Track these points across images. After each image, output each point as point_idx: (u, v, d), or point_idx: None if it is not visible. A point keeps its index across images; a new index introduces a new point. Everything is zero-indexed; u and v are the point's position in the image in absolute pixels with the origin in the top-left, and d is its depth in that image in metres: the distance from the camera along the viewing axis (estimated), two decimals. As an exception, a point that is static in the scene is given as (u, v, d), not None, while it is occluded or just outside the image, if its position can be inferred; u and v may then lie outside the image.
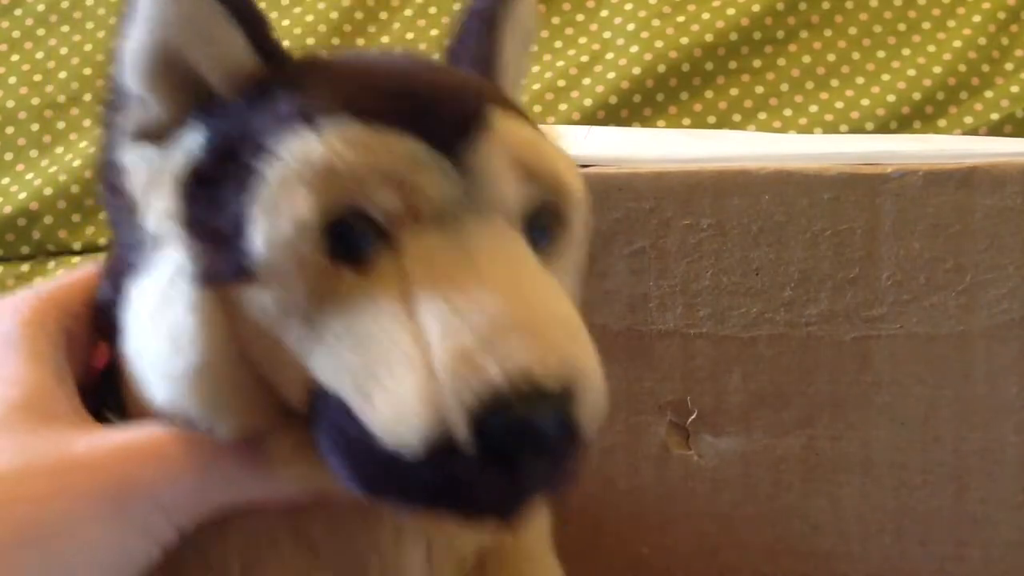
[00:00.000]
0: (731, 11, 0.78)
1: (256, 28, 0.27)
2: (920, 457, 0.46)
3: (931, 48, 0.77)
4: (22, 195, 0.76)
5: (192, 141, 0.27)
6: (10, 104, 0.80)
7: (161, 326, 0.26)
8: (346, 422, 0.25)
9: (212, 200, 0.26)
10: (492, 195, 0.26)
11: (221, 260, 0.26)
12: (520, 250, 0.27)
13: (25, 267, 0.76)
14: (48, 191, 0.76)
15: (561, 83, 0.77)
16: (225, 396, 0.27)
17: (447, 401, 0.23)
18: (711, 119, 0.76)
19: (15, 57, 0.82)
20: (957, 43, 0.77)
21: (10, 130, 0.79)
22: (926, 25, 0.79)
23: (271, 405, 0.27)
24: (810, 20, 0.79)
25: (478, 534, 0.31)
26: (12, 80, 0.81)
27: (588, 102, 0.76)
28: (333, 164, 0.25)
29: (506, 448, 0.24)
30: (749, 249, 0.44)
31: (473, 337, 0.24)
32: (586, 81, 0.77)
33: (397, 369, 0.24)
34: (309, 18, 0.81)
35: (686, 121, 0.76)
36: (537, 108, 0.76)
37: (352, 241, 0.25)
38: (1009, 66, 0.77)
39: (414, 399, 0.23)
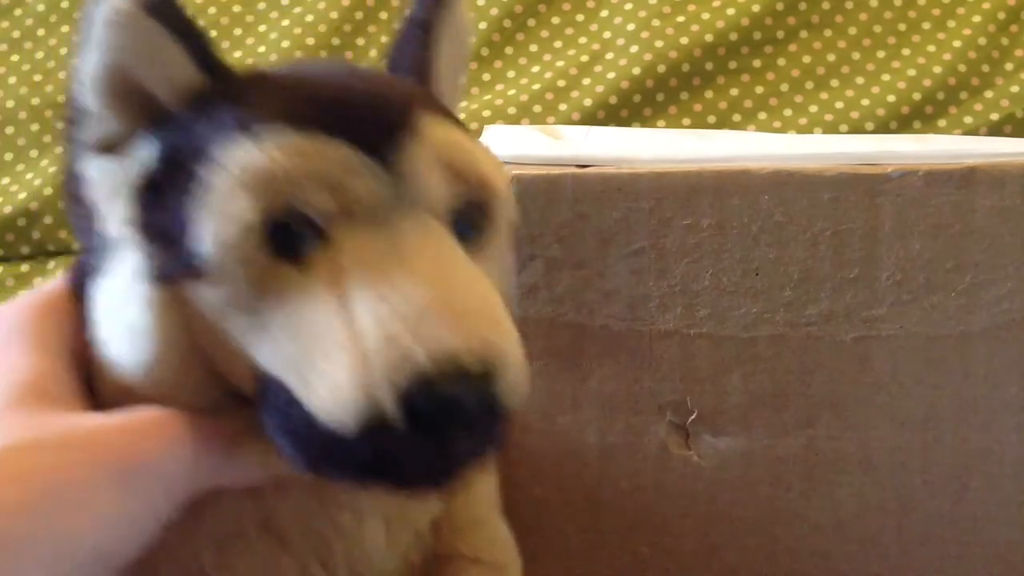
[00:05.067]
0: (731, 11, 0.78)
1: (198, 45, 0.29)
2: (920, 457, 0.46)
3: (931, 48, 0.77)
4: (22, 195, 0.76)
5: (145, 152, 0.29)
6: (10, 104, 0.80)
7: (121, 322, 0.29)
8: (288, 405, 0.27)
9: (163, 205, 0.29)
10: (419, 194, 0.29)
11: (171, 259, 0.28)
12: (446, 243, 0.29)
13: (25, 267, 0.76)
14: (48, 191, 0.76)
15: (561, 83, 0.77)
16: (179, 385, 0.29)
17: (378, 382, 0.26)
18: (711, 119, 0.76)
19: (15, 57, 0.82)
20: (957, 43, 0.77)
21: (10, 130, 0.79)
22: (926, 25, 0.79)
23: (224, 393, 0.30)
24: (810, 20, 0.79)
25: (415, 501, 0.35)
26: (12, 80, 0.81)
27: (588, 102, 0.76)
28: (271, 170, 0.27)
29: (433, 423, 0.26)
30: (749, 249, 0.44)
31: (401, 323, 0.26)
32: (586, 81, 0.77)
33: (332, 355, 0.26)
34: (309, 18, 0.81)
35: (686, 121, 0.76)
36: (537, 108, 0.76)
37: (291, 240, 0.28)
38: (1009, 66, 0.77)
39: (348, 382, 0.26)
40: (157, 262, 0.28)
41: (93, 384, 0.31)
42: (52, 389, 0.30)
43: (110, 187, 0.30)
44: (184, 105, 0.29)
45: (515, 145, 0.47)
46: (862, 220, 0.44)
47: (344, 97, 0.29)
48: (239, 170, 0.27)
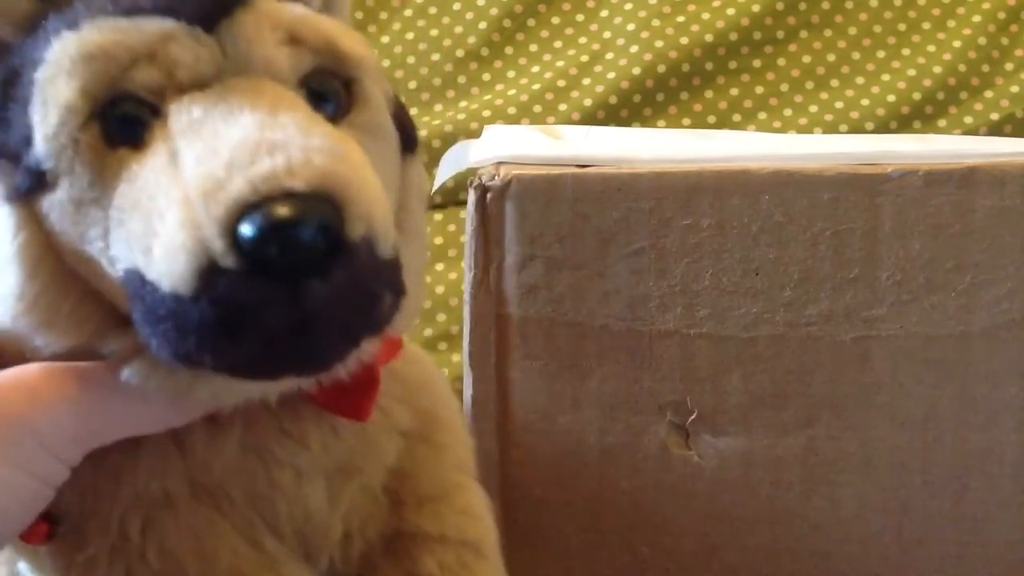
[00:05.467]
0: (731, 11, 0.78)
1: None
2: (920, 457, 0.46)
3: (931, 48, 0.77)
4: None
5: None
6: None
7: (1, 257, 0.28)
8: (143, 288, 0.25)
9: (5, 122, 0.28)
10: (251, 57, 0.27)
11: (19, 174, 0.27)
12: (284, 97, 0.27)
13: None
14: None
15: (561, 83, 0.77)
16: (55, 310, 0.28)
17: (202, 222, 0.24)
18: (711, 119, 0.76)
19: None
20: (957, 43, 0.77)
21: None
22: (926, 25, 0.79)
23: (104, 314, 0.28)
24: (810, 20, 0.79)
25: (295, 383, 0.30)
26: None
27: (588, 102, 0.76)
28: (88, 50, 0.26)
29: (264, 257, 0.23)
30: (749, 249, 0.44)
31: (221, 162, 0.24)
32: (586, 81, 0.77)
33: (166, 215, 0.25)
34: None
35: (686, 121, 0.76)
36: (537, 108, 0.76)
37: (128, 124, 0.27)
38: (1009, 66, 0.77)
39: (175, 232, 0.24)
40: (8, 180, 0.28)
41: None
42: None
43: None
44: (22, 32, 0.29)
45: (515, 145, 0.47)
46: (862, 220, 0.44)
47: None
48: (58, 58, 0.27)
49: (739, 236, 0.44)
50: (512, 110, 0.76)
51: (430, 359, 0.40)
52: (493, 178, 0.44)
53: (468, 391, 0.47)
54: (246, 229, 0.23)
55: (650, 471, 0.47)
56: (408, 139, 0.32)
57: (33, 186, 0.27)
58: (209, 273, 0.24)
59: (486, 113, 0.76)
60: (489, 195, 0.45)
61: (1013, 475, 0.45)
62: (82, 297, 0.28)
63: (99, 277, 0.27)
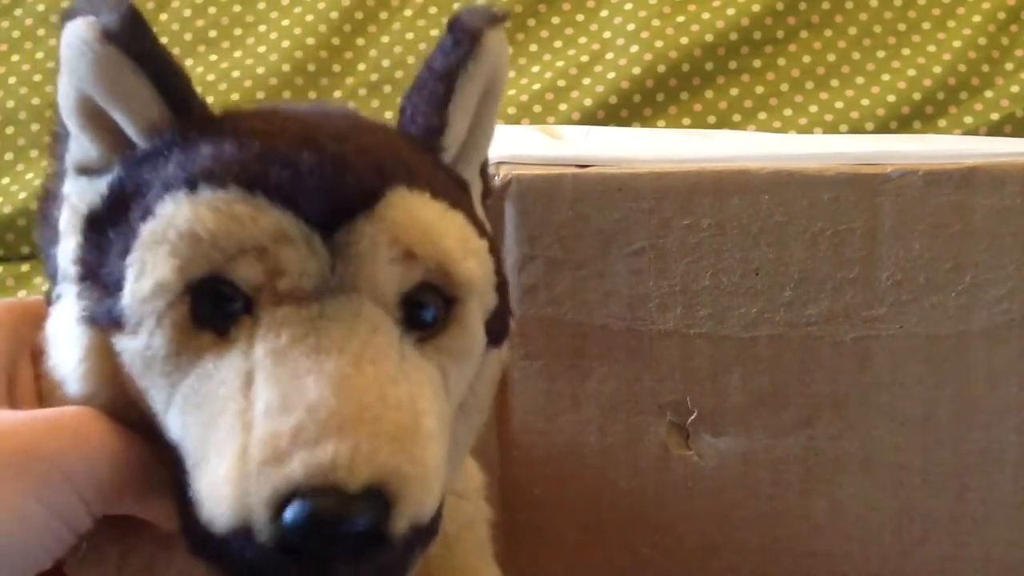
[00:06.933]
0: (731, 11, 0.78)
1: (168, 82, 0.27)
2: (920, 457, 0.46)
3: (931, 48, 0.77)
4: (22, 195, 0.76)
5: (104, 185, 0.28)
6: (10, 104, 0.80)
7: (62, 354, 0.28)
8: (183, 476, 0.26)
9: (102, 248, 0.27)
10: (359, 276, 0.26)
11: (101, 305, 0.27)
12: (377, 337, 0.26)
13: (25, 267, 0.76)
14: (48, 191, 0.76)
15: (561, 83, 0.77)
16: (106, 411, 0.28)
17: (251, 488, 0.24)
18: (711, 119, 0.76)
19: (15, 57, 0.82)
20: (957, 43, 0.77)
21: (10, 130, 0.79)
22: (926, 25, 0.79)
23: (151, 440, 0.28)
24: (810, 20, 0.79)
25: None
26: (12, 80, 0.81)
27: (588, 102, 0.76)
28: (195, 230, 0.26)
29: (302, 543, 0.23)
30: (749, 249, 0.44)
31: (287, 427, 0.24)
32: (586, 81, 0.77)
33: (223, 441, 0.24)
34: (309, 18, 0.81)
35: (686, 121, 0.76)
36: (537, 108, 0.76)
37: (220, 310, 0.26)
38: (1009, 66, 0.77)
39: (225, 481, 0.24)
40: (89, 305, 0.27)
41: (46, 398, 0.30)
42: None
43: (71, 215, 0.29)
44: (150, 141, 0.28)
45: (515, 145, 0.47)
46: (862, 220, 0.44)
47: (304, 160, 0.27)
48: (165, 225, 0.26)
49: (739, 236, 0.44)
50: (512, 110, 0.76)
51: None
52: (493, 178, 0.44)
53: (468, 391, 0.47)
54: (290, 515, 0.23)
55: (650, 471, 0.47)
56: (496, 335, 0.31)
57: (111, 326, 0.27)
58: (244, 532, 0.24)
59: (486, 113, 0.76)
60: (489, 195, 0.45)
61: (1013, 475, 0.45)
62: (136, 422, 0.28)
63: (151, 417, 0.27)
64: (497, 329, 0.31)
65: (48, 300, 0.31)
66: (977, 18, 0.78)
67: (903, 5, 0.79)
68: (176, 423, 0.26)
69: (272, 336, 0.25)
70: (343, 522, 0.23)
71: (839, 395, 0.45)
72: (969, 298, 0.44)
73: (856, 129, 0.74)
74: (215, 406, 0.25)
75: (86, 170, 0.29)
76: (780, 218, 0.44)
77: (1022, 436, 0.45)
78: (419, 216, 0.27)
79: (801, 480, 0.46)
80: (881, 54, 0.78)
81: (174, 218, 0.26)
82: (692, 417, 0.46)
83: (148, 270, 0.26)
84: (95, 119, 0.28)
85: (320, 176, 0.26)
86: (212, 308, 0.26)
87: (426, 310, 0.28)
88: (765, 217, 0.44)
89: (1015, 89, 0.75)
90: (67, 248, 0.29)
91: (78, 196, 0.29)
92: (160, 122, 0.28)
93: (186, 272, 0.26)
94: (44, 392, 0.30)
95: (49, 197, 0.31)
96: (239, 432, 0.24)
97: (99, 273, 0.27)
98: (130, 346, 0.26)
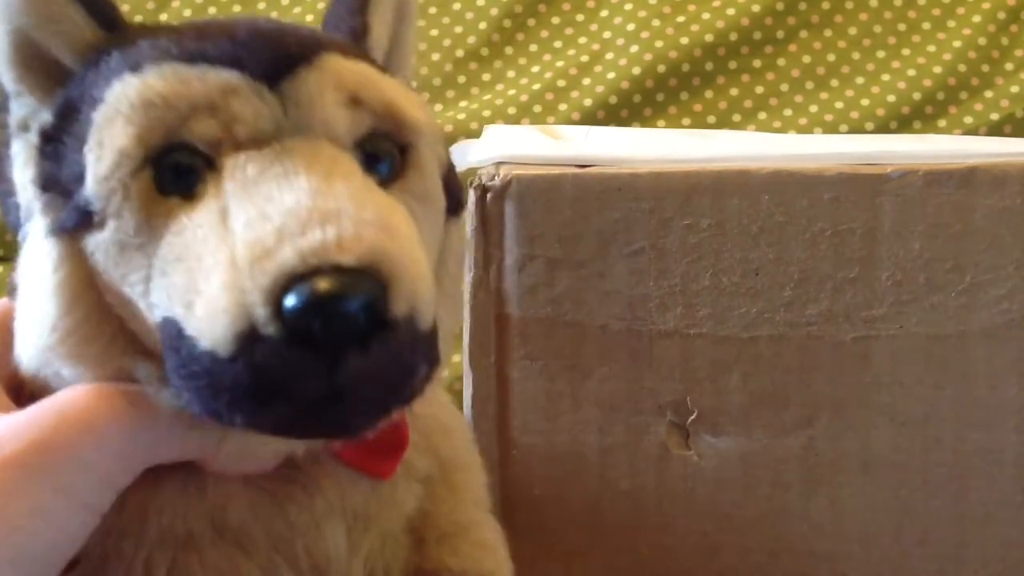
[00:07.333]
0: (731, 11, 0.78)
1: (95, 2, 0.29)
2: (920, 457, 0.46)
3: (931, 48, 0.78)
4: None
5: (45, 113, 0.29)
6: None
7: (32, 287, 0.28)
8: (178, 341, 0.25)
9: (59, 153, 0.28)
10: (312, 118, 0.27)
11: (67, 209, 0.27)
12: (340, 161, 0.27)
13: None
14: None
15: (561, 83, 0.77)
16: (88, 345, 0.28)
17: (247, 286, 0.24)
18: (711, 119, 0.76)
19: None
20: (957, 43, 0.77)
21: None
22: (926, 25, 0.79)
23: (135, 351, 0.28)
24: (810, 20, 0.79)
25: (318, 442, 0.30)
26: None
27: (588, 102, 0.76)
28: (148, 97, 0.26)
29: (307, 329, 0.23)
30: (749, 249, 0.44)
31: (272, 228, 0.24)
32: (586, 81, 0.77)
33: (211, 275, 0.25)
34: (309, 18, 0.81)
35: (686, 121, 0.76)
36: (537, 108, 0.76)
37: (182, 176, 0.27)
38: (1009, 66, 0.77)
39: (219, 294, 0.24)
40: (55, 215, 0.28)
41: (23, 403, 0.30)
42: None
43: (22, 158, 0.29)
44: (84, 62, 0.29)
45: (515, 145, 0.47)
46: (862, 220, 0.44)
47: (240, 33, 0.28)
48: (116, 102, 0.27)
49: (739, 236, 0.44)
50: (512, 110, 0.76)
51: (447, 400, 0.40)
52: (493, 178, 0.44)
53: (468, 391, 0.47)
54: (291, 300, 0.23)
55: (650, 471, 0.47)
56: (454, 202, 0.32)
57: (79, 224, 0.27)
58: (249, 338, 0.24)
59: (486, 113, 0.76)
60: (489, 195, 0.45)
61: (1013, 475, 0.45)
62: (115, 334, 0.28)
63: (135, 318, 0.28)
64: (453, 194, 0.32)
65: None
66: (977, 18, 0.78)
67: (903, 5, 0.79)
68: (160, 291, 0.26)
69: (239, 173, 0.26)
70: (344, 298, 0.23)
71: (839, 395, 0.45)
72: (969, 298, 0.44)
73: (856, 129, 0.74)
74: (196, 249, 0.25)
75: (26, 125, 0.30)
76: (780, 218, 0.44)
77: (1022, 436, 0.45)
78: (358, 68, 0.29)
79: (801, 480, 0.46)
80: (881, 54, 0.78)
81: (124, 94, 0.27)
82: (692, 417, 0.46)
83: (107, 145, 0.26)
84: (32, 64, 0.29)
85: (259, 39, 0.28)
86: (175, 176, 0.27)
87: (382, 162, 0.29)
88: (765, 217, 0.44)
89: (1015, 89, 0.75)
90: (24, 180, 0.29)
91: (19, 148, 0.30)
92: (95, 40, 0.29)
93: (144, 139, 0.26)
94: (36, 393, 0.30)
95: (3, 161, 0.31)
96: (224, 255, 0.25)
97: (60, 177, 0.28)
98: (102, 238, 0.27)
